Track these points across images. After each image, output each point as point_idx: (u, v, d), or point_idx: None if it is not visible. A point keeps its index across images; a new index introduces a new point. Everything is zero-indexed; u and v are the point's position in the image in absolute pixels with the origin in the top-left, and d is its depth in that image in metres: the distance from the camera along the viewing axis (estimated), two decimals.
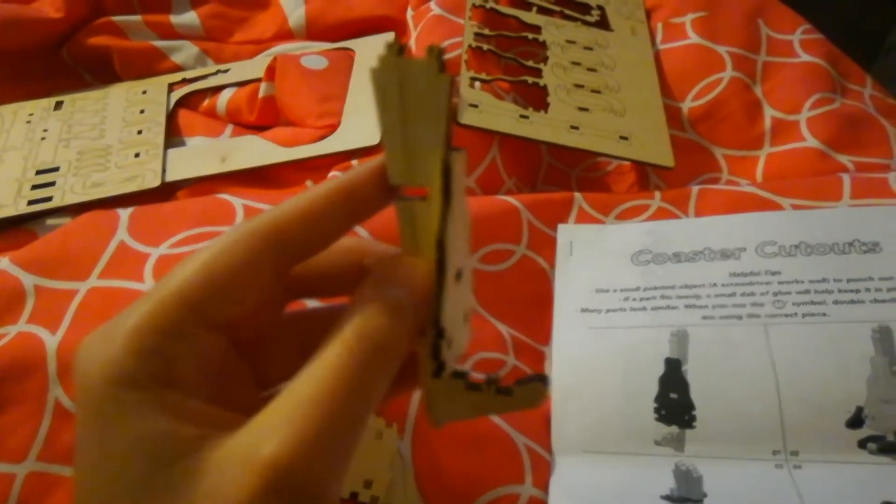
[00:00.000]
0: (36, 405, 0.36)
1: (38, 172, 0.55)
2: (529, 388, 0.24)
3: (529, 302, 0.47)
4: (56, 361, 0.37)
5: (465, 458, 0.38)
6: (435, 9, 0.64)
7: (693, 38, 0.63)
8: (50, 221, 0.52)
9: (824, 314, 0.43)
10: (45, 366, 0.37)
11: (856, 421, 0.39)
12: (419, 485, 0.36)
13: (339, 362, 0.20)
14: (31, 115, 0.60)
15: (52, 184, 0.54)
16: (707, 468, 0.39)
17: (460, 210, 0.23)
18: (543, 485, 0.39)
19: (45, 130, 0.58)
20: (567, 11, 0.66)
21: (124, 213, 0.45)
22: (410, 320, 0.21)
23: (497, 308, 0.46)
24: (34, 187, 0.53)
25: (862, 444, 0.39)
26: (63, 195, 0.53)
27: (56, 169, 0.55)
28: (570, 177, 0.60)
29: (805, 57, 0.62)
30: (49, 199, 0.52)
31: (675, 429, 0.41)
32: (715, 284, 0.46)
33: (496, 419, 0.40)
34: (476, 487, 0.37)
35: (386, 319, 0.21)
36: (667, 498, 0.38)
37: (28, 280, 0.40)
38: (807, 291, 0.44)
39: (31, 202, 0.52)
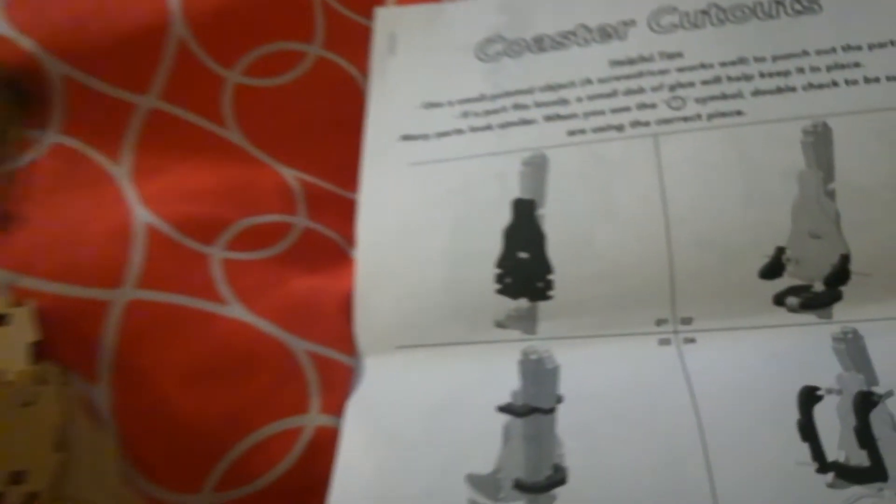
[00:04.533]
0: None
1: None
2: None
3: (329, 129, 0.35)
4: None
5: (206, 393, 0.27)
6: None
7: None
8: None
9: (738, 112, 0.31)
10: None
11: (773, 268, 0.29)
12: (130, 452, 0.26)
13: None
14: None
15: None
16: (565, 354, 0.29)
17: None
18: (337, 407, 0.29)
19: None
20: None
21: None
22: None
23: (277, 143, 0.33)
24: None
25: (779, 299, 0.29)
26: None
27: None
28: None
29: None
30: None
31: (523, 303, 0.30)
32: (589, 81, 0.33)
33: (262, 321, 0.29)
34: (226, 435, 0.27)
35: None
36: (506, 409, 0.28)
37: None
38: (716, 80, 0.32)
39: None
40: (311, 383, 0.29)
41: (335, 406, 0.29)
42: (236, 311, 0.28)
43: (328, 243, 0.33)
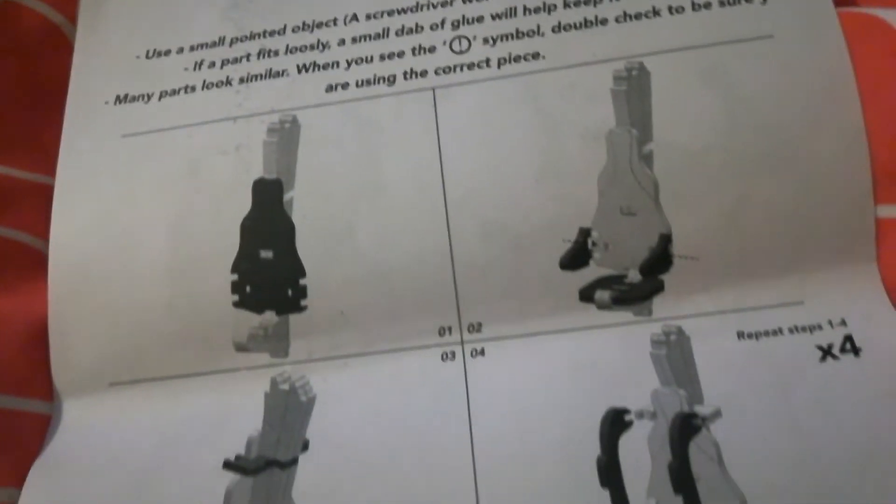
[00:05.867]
0: None
1: None
2: None
3: (23, 99, 0.26)
4: None
5: None
6: None
7: None
8: None
9: (536, 55, 0.25)
10: None
11: (577, 255, 0.23)
12: None
13: None
14: None
15: None
16: (326, 381, 0.23)
17: None
18: (16, 475, 0.22)
19: None
20: None
21: None
22: None
23: None
24: None
25: (586, 294, 0.23)
26: None
27: None
28: None
29: None
30: None
31: (270, 317, 0.23)
32: (355, 17, 0.26)
33: None
34: None
35: None
36: (232, 466, 0.21)
37: None
38: (511, 12, 0.25)
39: None
40: None
41: (14, 474, 0.22)
42: None
43: (21, 251, 0.25)
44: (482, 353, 0.23)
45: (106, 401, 0.23)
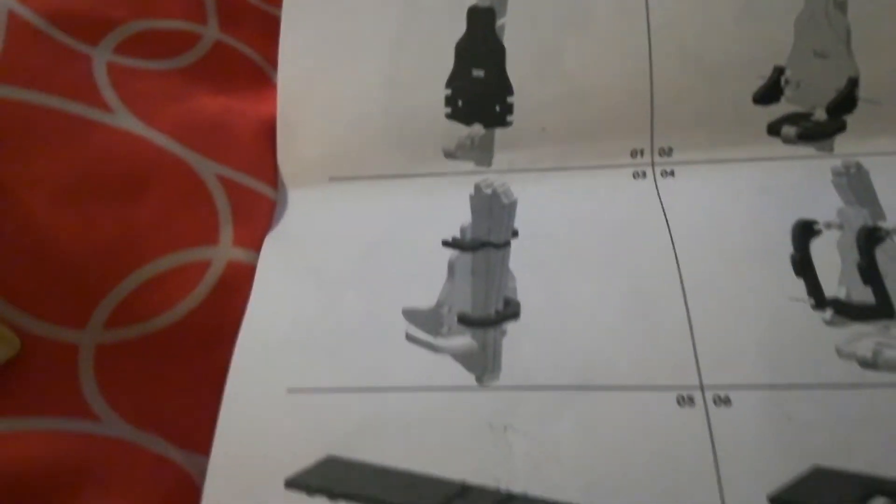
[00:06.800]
0: None
1: None
2: None
3: None
4: None
5: (84, 213, 0.22)
6: None
7: None
8: None
9: None
10: None
11: (770, 91, 0.25)
12: None
13: None
14: None
15: None
16: (525, 188, 0.25)
17: None
18: (254, 240, 0.24)
19: None
20: None
21: None
22: None
23: None
24: None
25: (774, 128, 0.25)
26: None
27: None
28: None
29: None
30: None
31: (478, 129, 0.26)
32: None
33: (158, 135, 0.24)
34: (114, 263, 0.22)
35: None
36: (452, 244, 0.24)
37: None
38: None
39: None
40: (222, 211, 0.24)
41: (251, 239, 0.24)
42: (125, 121, 0.23)
43: (245, 61, 0.28)
44: (672, 174, 0.25)
45: (327, 192, 0.26)
